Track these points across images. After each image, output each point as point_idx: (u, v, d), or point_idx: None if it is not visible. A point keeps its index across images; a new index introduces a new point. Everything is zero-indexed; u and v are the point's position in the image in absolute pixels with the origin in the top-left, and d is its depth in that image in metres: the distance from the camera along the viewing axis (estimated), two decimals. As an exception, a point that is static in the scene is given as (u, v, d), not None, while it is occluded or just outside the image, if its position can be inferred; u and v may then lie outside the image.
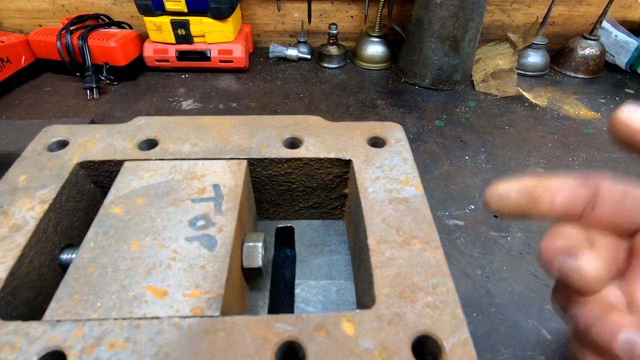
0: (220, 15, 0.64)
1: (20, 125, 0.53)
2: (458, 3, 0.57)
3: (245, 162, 0.18)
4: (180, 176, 0.17)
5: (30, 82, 0.67)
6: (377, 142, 0.19)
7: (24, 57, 0.65)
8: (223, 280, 0.13)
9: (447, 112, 0.61)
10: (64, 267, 0.16)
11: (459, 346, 0.12)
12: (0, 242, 0.14)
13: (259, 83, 0.68)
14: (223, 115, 0.20)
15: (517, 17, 0.74)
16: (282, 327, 0.12)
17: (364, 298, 0.15)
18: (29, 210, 0.15)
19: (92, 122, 0.54)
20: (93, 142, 0.18)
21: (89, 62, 0.62)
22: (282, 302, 0.20)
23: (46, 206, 0.15)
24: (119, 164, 0.18)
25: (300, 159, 0.18)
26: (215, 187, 0.16)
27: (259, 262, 0.16)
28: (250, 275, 0.17)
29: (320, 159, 0.18)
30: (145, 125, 0.20)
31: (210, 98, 0.64)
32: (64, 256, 0.16)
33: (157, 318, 0.12)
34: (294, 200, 0.20)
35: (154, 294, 0.13)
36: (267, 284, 0.19)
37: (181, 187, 0.17)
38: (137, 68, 0.68)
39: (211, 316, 0.12)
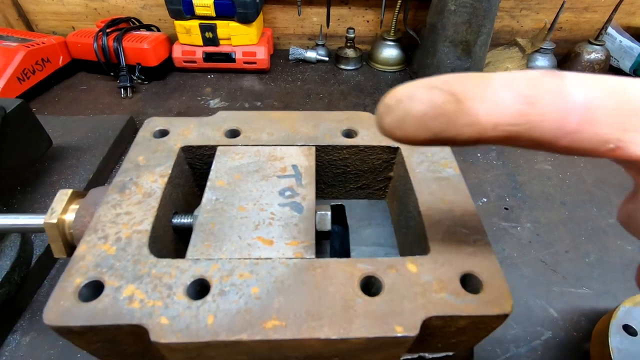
0: (246, 19, 0.67)
1: (64, 121, 0.57)
2: (471, 10, 0.61)
3: (314, 148, 0.22)
4: (264, 158, 0.21)
5: (66, 80, 0.70)
6: None
7: (61, 58, 0.69)
8: (313, 234, 0.18)
9: (460, 112, 0.64)
10: (175, 228, 0.20)
11: (495, 281, 0.16)
12: (140, 205, 0.18)
13: (280, 83, 0.72)
14: (288, 111, 0.24)
15: (526, 22, 0.78)
16: (363, 266, 0.16)
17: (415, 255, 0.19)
18: (153, 182, 0.19)
19: (131, 118, 0.58)
20: (189, 131, 0.23)
21: (123, 63, 0.66)
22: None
23: (165, 179, 0.19)
24: (212, 148, 0.22)
25: (357, 146, 0.23)
26: (294, 166, 0.21)
27: (328, 226, 0.20)
28: (320, 239, 0.21)
29: (373, 147, 0.23)
30: (227, 118, 0.24)
31: (235, 97, 0.68)
32: (174, 220, 0.20)
33: (270, 259, 0.16)
34: (346, 181, 0.25)
35: (263, 242, 0.17)
36: (328, 249, 0.23)
37: (266, 167, 0.21)
38: (166, 68, 0.72)
39: (309, 258, 0.17)
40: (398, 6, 0.69)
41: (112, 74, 0.69)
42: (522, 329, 0.37)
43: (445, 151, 0.22)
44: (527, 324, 0.37)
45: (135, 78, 0.68)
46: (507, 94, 0.11)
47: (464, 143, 0.12)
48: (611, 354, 0.29)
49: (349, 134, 0.23)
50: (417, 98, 0.11)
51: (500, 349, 0.35)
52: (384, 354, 0.15)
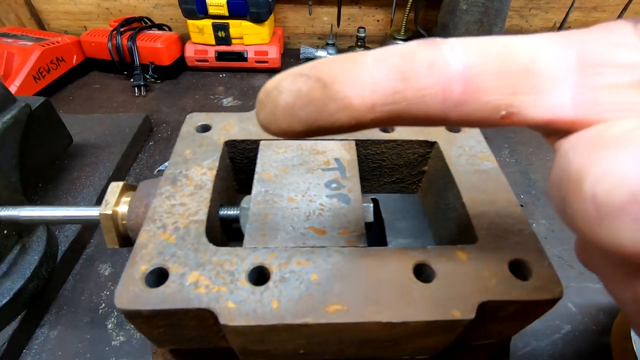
0: (259, 19, 0.68)
1: (81, 119, 0.58)
2: (483, 9, 0.61)
3: (354, 142, 0.23)
4: (307, 152, 0.22)
5: (80, 79, 0.71)
6: (453, 128, 0.24)
7: (75, 57, 0.69)
8: (362, 224, 0.18)
9: (471, 110, 0.65)
10: (221, 220, 0.21)
11: (544, 268, 0.16)
12: (193, 196, 0.19)
13: (292, 82, 0.72)
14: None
15: (535, 22, 0.79)
16: (415, 254, 0.17)
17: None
18: (202, 175, 0.20)
19: (147, 116, 0.58)
20: (230, 126, 0.23)
21: (137, 62, 0.67)
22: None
23: (214, 172, 0.20)
24: (254, 142, 0.23)
25: (395, 141, 0.23)
26: (337, 160, 0.21)
27: (371, 218, 0.20)
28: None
29: (411, 141, 0.23)
30: (267, 113, 0.24)
31: (248, 96, 0.68)
32: (221, 212, 0.21)
33: (324, 247, 0.17)
34: (381, 175, 0.25)
35: (316, 232, 0.18)
36: (366, 240, 0.23)
37: (310, 160, 0.21)
38: (179, 67, 0.72)
39: (361, 247, 0.17)
40: (409, 5, 0.70)
41: (125, 72, 0.69)
42: (541, 323, 0.37)
43: (482, 145, 0.22)
44: (546, 318, 0.37)
45: (148, 77, 0.69)
46: (380, 72, 0.10)
47: (343, 130, 0.11)
48: (634, 346, 0.30)
49: (386, 128, 0.24)
50: (283, 89, 0.10)
51: (521, 342, 0.36)
52: (436, 339, 0.16)
